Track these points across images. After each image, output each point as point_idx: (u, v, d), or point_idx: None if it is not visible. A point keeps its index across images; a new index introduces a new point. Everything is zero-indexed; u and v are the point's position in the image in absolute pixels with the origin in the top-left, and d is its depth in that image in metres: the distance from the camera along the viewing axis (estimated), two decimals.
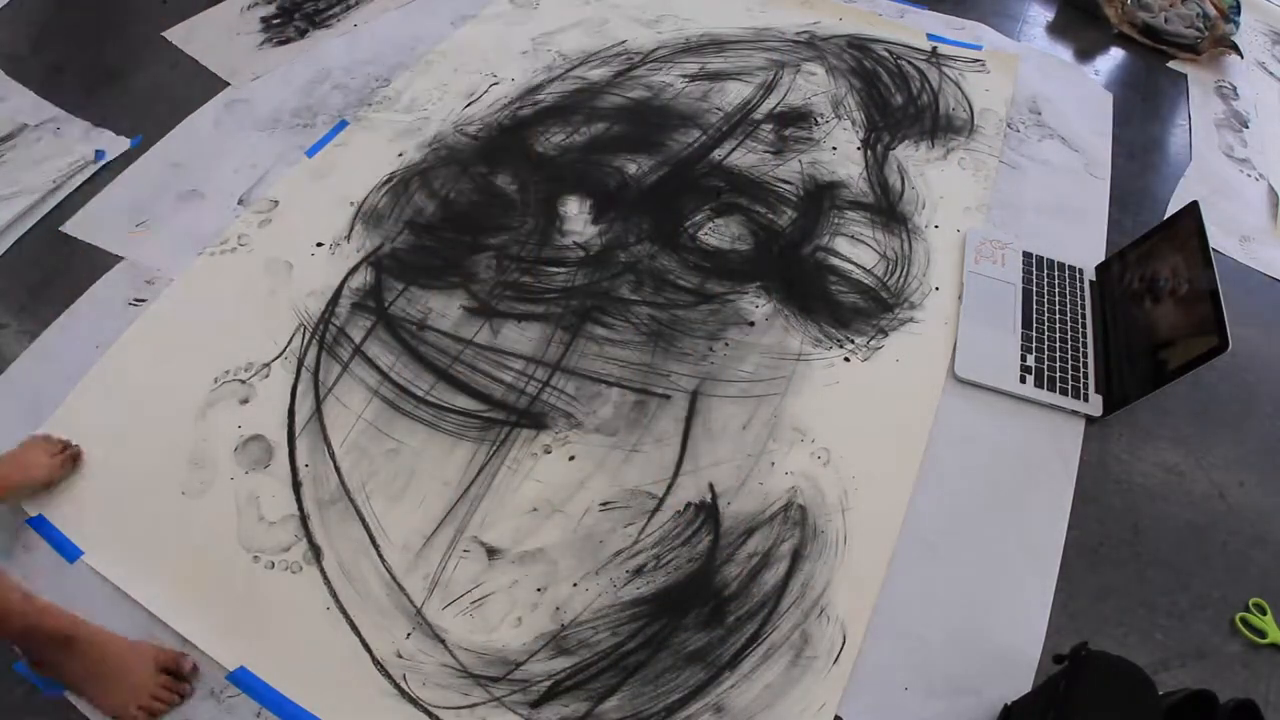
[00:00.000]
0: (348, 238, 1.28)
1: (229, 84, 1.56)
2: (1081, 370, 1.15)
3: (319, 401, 1.08)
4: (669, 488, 1.02)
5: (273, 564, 0.94)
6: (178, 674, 0.85)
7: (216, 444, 1.04)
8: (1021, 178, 1.47)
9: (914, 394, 1.13)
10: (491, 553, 0.96)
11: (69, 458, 1.00)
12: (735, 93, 1.57)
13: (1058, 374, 1.14)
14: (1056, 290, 1.25)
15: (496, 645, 0.89)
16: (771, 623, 0.91)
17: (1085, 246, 1.35)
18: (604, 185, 1.38)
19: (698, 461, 1.04)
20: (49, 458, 0.99)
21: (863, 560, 0.97)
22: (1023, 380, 1.14)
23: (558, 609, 0.92)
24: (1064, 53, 1.82)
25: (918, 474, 1.05)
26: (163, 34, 1.68)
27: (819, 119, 1.53)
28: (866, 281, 1.26)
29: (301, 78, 1.58)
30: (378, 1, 1.79)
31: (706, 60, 1.64)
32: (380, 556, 0.95)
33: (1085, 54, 1.83)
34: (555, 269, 1.25)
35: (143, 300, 1.20)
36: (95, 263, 1.21)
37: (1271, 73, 1.89)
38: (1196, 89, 1.75)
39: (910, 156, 1.47)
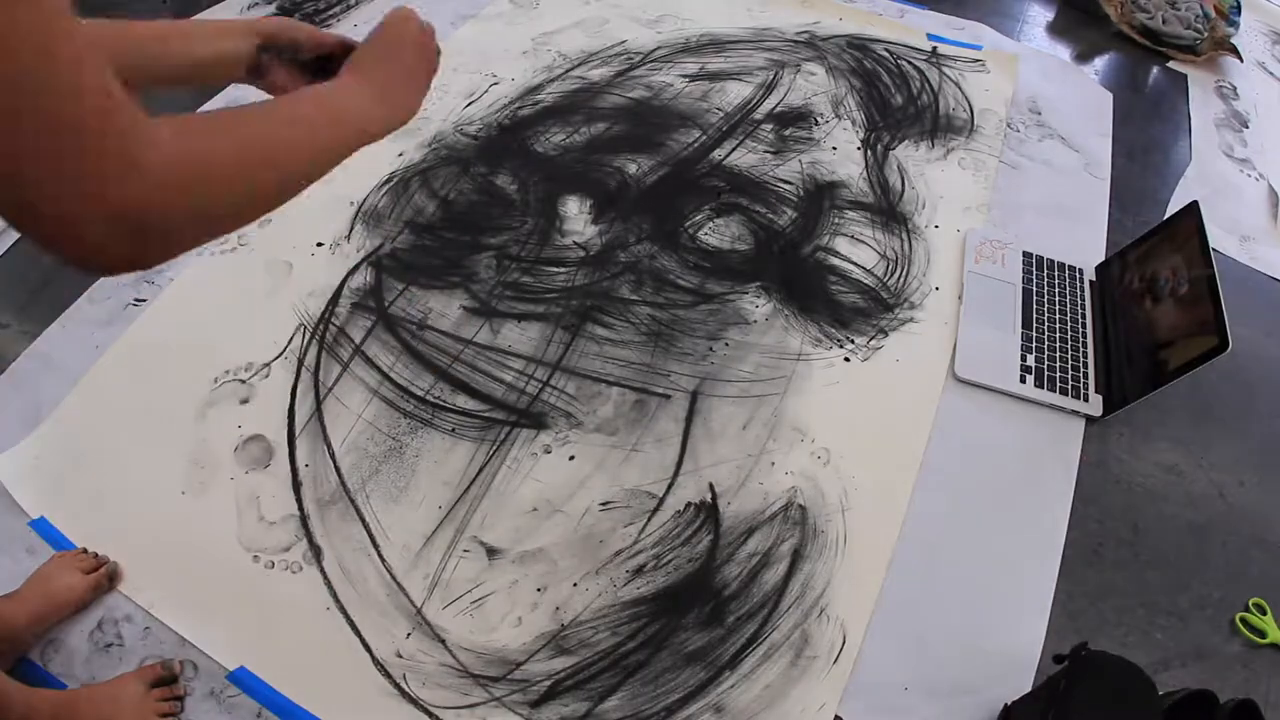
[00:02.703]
0: (348, 238, 1.28)
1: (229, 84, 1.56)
2: (1081, 370, 1.15)
3: (319, 401, 1.08)
4: (669, 488, 1.02)
5: (273, 564, 0.94)
6: (169, 681, 0.86)
7: (216, 444, 1.04)
8: (1021, 178, 1.47)
9: (914, 394, 1.13)
10: (491, 553, 0.96)
11: (104, 575, 0.90)
12: (735, 93, 1.56)
13: (1058, 374, 1.14)
14: (1056, 290, 1.25)
15: (496, 645, 0.89)
16: (771, 623, 0.91)
17: (1085, 246, 1.35)
18: (604, 185, 1.38)
19: (698, 461, 1.04)
20: (79, 577, 0.88)
21: (863, 560, 0.97)
22: (1023, 380, 1.14)
23: (558, 609, 0.92)
24: (1064, 53, 1.82)
25: (918, 474, 1.05)
26: None
27: (819, 119, 1.53)
28: (866, 281, 1.26)
29: None
30: (378, 2, 1.79)
31: (706, 60, 1.64)
32: (380, 556, 0.95)
33: (1085, 54, 1.83)
34: (555, 269, 1.25)
35: (143, 300, 1.20)
36: None
37: (1271, 73, 1.89)
38: (1196, 89, 1.75)
39: (910, 156, 1.47)
